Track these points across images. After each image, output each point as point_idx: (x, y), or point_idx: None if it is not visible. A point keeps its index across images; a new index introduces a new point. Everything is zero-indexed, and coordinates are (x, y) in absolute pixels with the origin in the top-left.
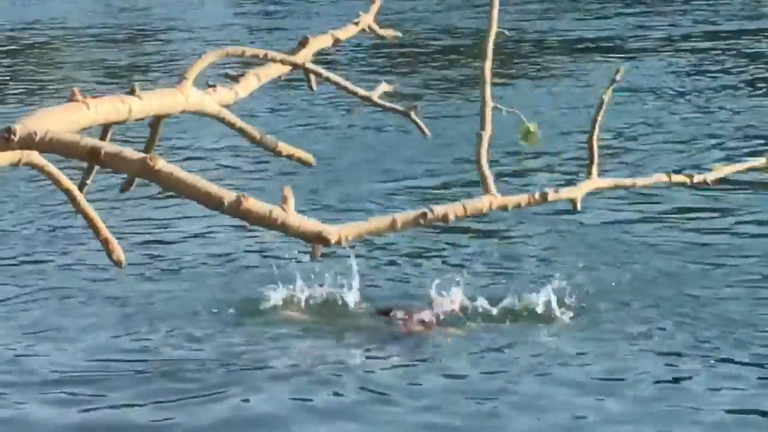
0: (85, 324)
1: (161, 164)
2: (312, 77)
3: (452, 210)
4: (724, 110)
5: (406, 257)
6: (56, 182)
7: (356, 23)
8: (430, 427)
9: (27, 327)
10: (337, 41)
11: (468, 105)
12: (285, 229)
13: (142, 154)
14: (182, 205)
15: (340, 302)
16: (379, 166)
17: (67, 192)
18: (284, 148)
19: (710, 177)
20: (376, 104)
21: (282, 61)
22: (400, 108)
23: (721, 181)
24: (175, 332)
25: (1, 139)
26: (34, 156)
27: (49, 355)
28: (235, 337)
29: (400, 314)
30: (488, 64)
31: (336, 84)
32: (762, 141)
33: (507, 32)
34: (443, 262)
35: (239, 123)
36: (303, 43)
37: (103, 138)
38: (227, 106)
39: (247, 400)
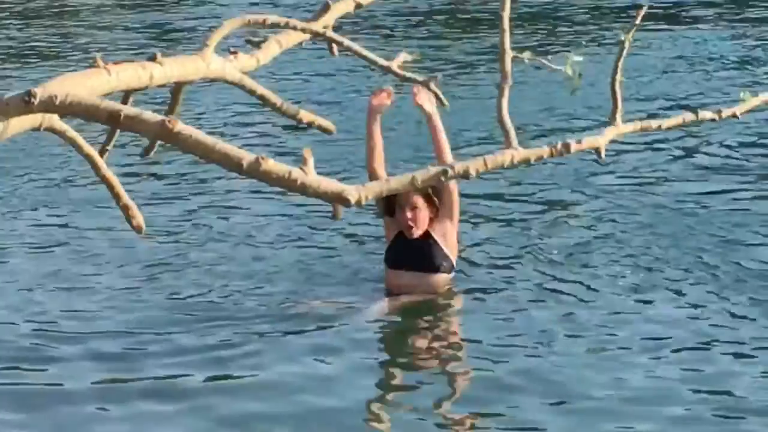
0: (105, 286)
1: (180, 126)
2: (333, 45)
3: (473, 165)
4: None
5: None
6: (77, 148)
7: None
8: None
9: (47, 287)
10: (358, 5)
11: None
12: (305, 189)
13: (161, 117)
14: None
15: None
16: (402, 137)
17: (88, 157)
18: (305, 115)
19: (740, 110)
20: (395, 74)
21: (303, 29)
22: (420, 78)
23: None
24: (198, 295)
25: (22, 102)
26: (55, 121)
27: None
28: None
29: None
30: (507, 13)
31: (356, 53)
32: None
33: None
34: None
35: (260, 90)
36: (325, 8)
37: (123, 104)
38: (248, 73)
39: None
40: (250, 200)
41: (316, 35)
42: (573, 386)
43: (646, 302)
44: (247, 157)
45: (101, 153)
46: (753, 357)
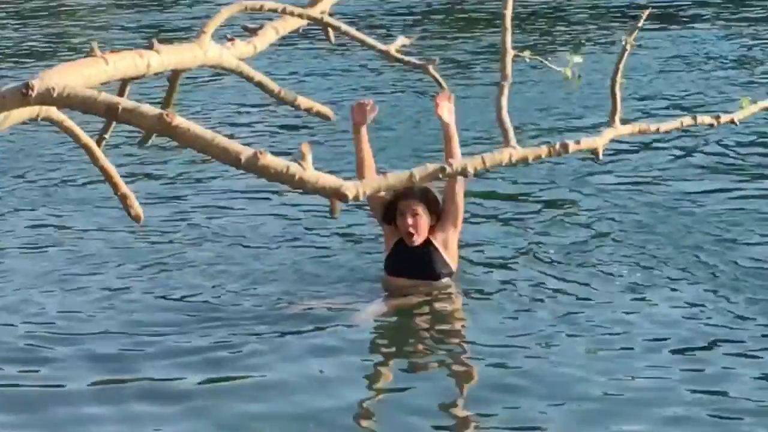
0: (101, 279)
1: (178, 120)
2: (330, 30)
3: (471, 163)
4: None
5: None
6: (75, 137)
7: None
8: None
9: (43, 281)
10: None
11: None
12: (303, 184)
13: (158, 110)
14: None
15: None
16: (401, 137)
17: (86, 147)
18: (303, 101)
19: (738, 116)
20: (394, 58)
21: (300, 15)
22: (418, 62)
23: None
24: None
25: (19, 94)
26: (53, 111)
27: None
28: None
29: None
30: (509, 12)
31: (353, 37)
32: None
33: None
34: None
35: (258, 77)
36: None
37: (121, 93)
38: (245, 60)
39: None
40: (245, 201)
41: (313, 21)
42: (572, 386)
43: (644, 302)
44: (245, 151)
45: (98, 142)
46: (752, 356)
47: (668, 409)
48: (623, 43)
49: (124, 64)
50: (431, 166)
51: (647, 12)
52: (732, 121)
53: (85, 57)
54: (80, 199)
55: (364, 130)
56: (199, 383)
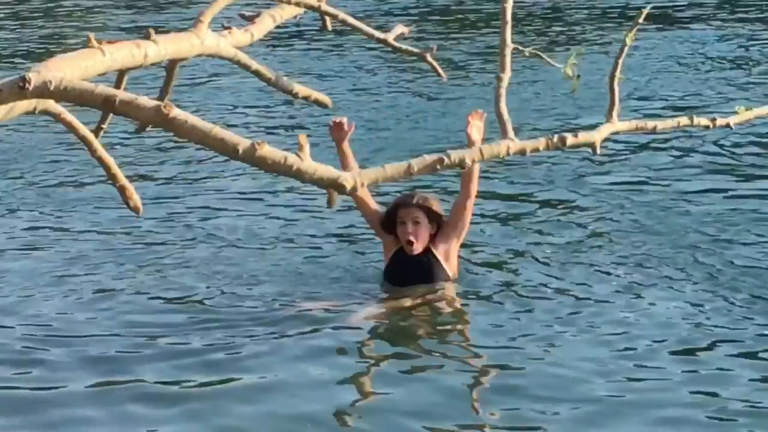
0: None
1: (176, 112)
2: (327, 18)
3: (469, 155)
4: None
5: None
6: (73, 130)
7: None
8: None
9: (42, 282)
10: None
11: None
12: (300, 175)
13: (156, 102)
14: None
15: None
16: (401, 137)
17: (84, 139)
18: (301, 89)
19: (733, 120)
20: (392, 47)
21: (297, 3)
22: (416, 50)
23: None
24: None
25: (16, 87)
26: (50, 104)
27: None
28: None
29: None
30: (509, 5)
31: (351, 26)
32: None
33: None
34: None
35: (255, 65)
36: None
37: (118, 84)
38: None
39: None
40: (241, 202)
41: (310, 9)
42: (571, 386)
43: (643, 302)
44: (243, 142)
45: (96, 132)
46: (751, 357)
47: (667, 409)
48: (624, 39)
49: (121, 54)
50: (429, 158)
51: (646, 10)
52: (728, 125)
53: (82, 48)
54: (77, 200)
55: (344, 145)
56: (196, 385)
